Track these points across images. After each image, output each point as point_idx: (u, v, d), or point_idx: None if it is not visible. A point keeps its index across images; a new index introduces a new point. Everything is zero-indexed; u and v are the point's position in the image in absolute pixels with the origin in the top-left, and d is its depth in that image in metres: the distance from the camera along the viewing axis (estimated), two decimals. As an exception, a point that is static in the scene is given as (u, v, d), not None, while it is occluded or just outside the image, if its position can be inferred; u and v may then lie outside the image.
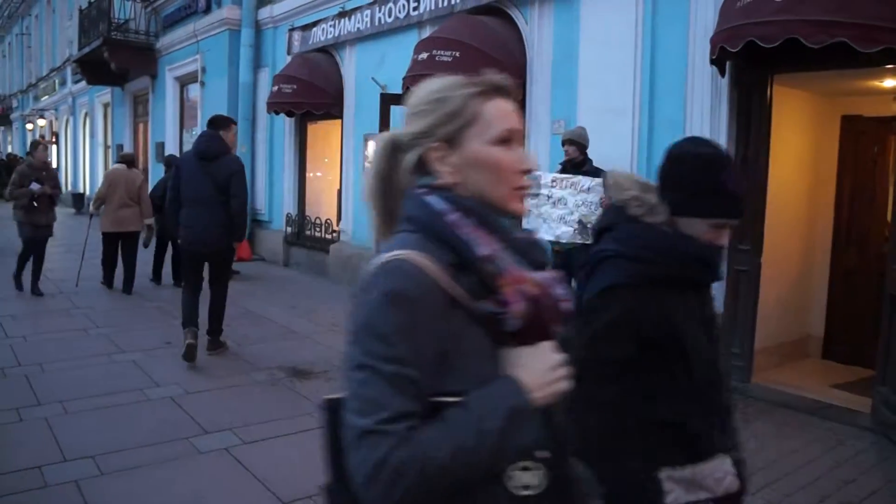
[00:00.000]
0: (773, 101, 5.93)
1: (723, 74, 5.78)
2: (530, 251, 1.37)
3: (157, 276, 10.13)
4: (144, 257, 9.76)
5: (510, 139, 1.35)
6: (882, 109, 6.30)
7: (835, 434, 4.93)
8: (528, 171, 1.38)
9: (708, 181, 1.89)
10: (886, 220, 6.20)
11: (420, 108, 1.38)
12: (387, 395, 1.17)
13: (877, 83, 6.16)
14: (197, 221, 6.22)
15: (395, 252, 1.25)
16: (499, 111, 1.36)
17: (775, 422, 5.17)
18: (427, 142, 1.36)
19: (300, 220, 12.21)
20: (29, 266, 8.99)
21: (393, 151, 1.40)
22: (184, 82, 15.86)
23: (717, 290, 5.91)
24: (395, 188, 1.41)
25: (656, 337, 1.88)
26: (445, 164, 1.35)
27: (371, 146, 9.80)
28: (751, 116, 5.96)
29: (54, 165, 20.41)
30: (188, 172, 6.30)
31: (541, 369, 1.27)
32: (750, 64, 5.69)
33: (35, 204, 8.71)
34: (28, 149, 30.64)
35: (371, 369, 1.18)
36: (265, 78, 12.63)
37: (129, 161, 9.81)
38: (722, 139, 5.97)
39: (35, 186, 8.64)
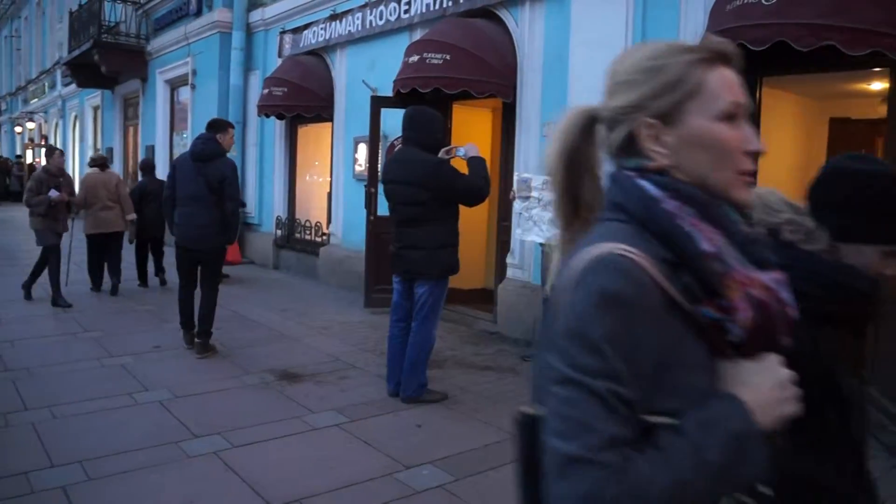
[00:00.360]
0: (763, 103, 5.94)
1: (712, 77, 5.76)
2: (754, 247, 1.19)
3: (142, 278, 10.25)
4: (129, 258, 9.91)
5: (736, 115, 1.18)
6: (870, 112, 6.33)
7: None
8: (756, 154, 1.19)
9: (884, 201, 1.65)
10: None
11: (630, 76, 1.21)
12: (597, 416, 1.01)
13: (864, 86, 6.20)
14: (190, 220, 6.47)
15: (607, 245, 1.09)
16: (724, 81, 1.19)
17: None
18: (638, 116, 1.19)
19: (290, 223, 12.19)
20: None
21: (587, 127, 1.26)
22: (174, 85, 15.83)
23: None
24: (585, 169, 1.27)
25: (812, 378, 1.55)
26: (659, 144, 1.18)
27: (362, 149, 9.80)
28: (740, 119, 5.96)
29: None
30: (183, 173, 6.54)
31: (767, 387, 1.10)
32: (739, 66, 5.70)
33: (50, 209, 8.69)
34: (17, 154, 30.44)
35: (579, 385, 1.02)
36: (256, 81, 12.61)
37: (102, 163, 9.86)
38: (712, 141, 5.98)
39: (53, 193, 8.62)
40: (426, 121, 5.30)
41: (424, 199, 5.11)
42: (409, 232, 5.23)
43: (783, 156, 6.61)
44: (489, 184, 5.32)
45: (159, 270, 10.31)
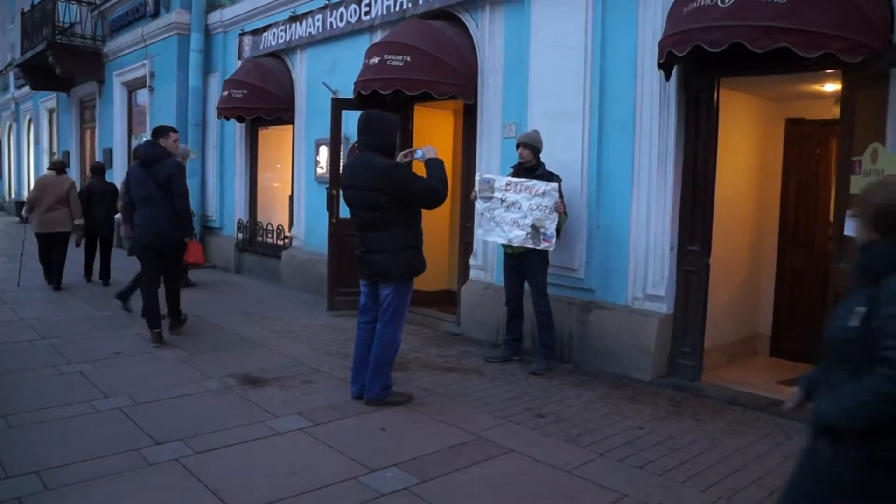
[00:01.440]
0: (720, 104, 6.04)
1: (668, 78, 5.85)
2: None
3: (88, 272, 10.83)
4: (76, 257, 10.44)
5: None
6: (824, 113, 6.47)
7: (783, 430, 5.02)
8: None
9: None
10: (830, 220, 6.35)
11: None
12: None
13: (819, 87, 6.32)
14: (148, 219, 7.09)
15: None
16: None
17: (726, 419, 5.25)
18: None
19: (252, 227, 12.08)
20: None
21: None
22: (132, 87, 15.59)
23: (668, 290, 6.03)
24: None
25: None
26: None
27: (324, 152, 9.76)
28: (698, 119, 6.06)
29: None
30: (134, 178, 7.20)
31: None
32: (697, 68, 5.79)
33: None
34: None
35: None
36: (215, 83, 12.49)
37: (60, 167, 10.52)
38: (670, 142, 6.07)
39: None
40: (381, 125, 5.30)
41: (382, 204, 5.11)
42: (371, 236, 5.24)
43: (741, 156, 6.72)
44: (447, 186, 5.33)
45: (105, 274, 10.59)
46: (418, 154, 5.38)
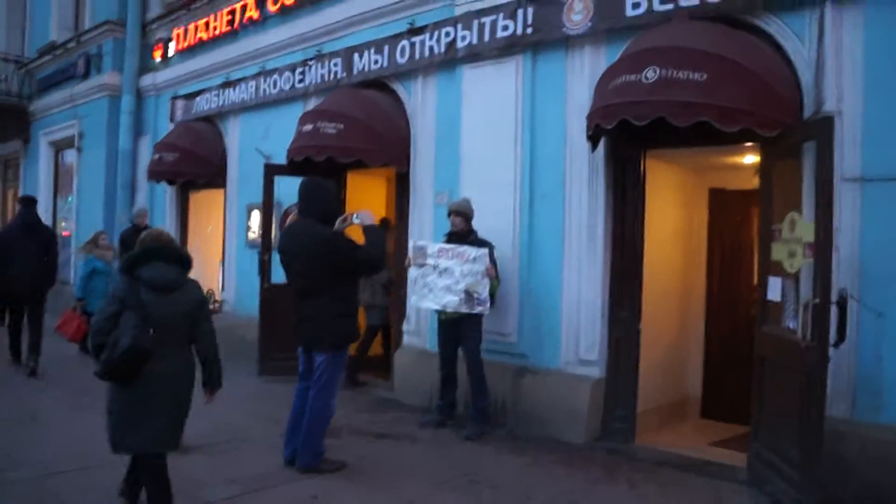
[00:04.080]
0: (647, 174, 6.25)
1: (594, 149, 6.02)
2: None
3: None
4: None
5: None
6: (745, 183, 6.73)
7: (714, 490, 5.10)
8: None
9: None
10: (753, 283, 6.57)
11: None
12: None
13: (739, 159, 6.60)
14: (24, 273, 8.45)
15: None
16: None
17: (659, 481, 5.30)
18: None
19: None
20: None
21: None
22: (59, 147, 15.26)
23: (600, 354, 6.12)
24: None
25: None
26: None
27: (255, 216, 9.70)
28: (626, 189, 6.25)
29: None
30: (16, 238, 8.68)
31: None
32: (624, 140, 5.99)
33: None
34: None
35: None
36: (146, 145, 12.33)
37: None
38: (599, 211, 6.24)
39: None
40: (320, 193, 5.36)
41: (319, 271, 5.13)
42: (306, 304, 5.23)
43: (668, 223, 6.91)
44: (384, 252, 5.41)
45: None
46: (356, 218, 5.41)
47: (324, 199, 5.34)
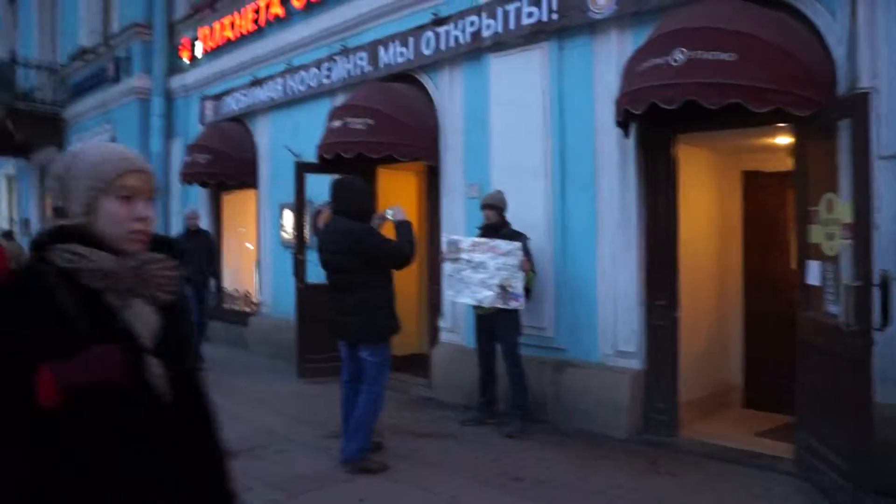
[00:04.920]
0: (679, 159, 6.12)
1: (627, 135, 5.94)
2: None
3: None
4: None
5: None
6: (779, 165, 6.56)
7: (761, 482, 5.01)
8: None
9: None
10: (791, 268, 6.41)
11: None
12: None
13: (772, 140, 6.44)
14: None
15: None
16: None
17: (704, 473, 5.23)
18: None
19: (217, 293, 11.92)
20: None
21: None
22: (93, 152, 15.45)
23: (638, 345, 6.03)
24: None
25: None
26: None
27: (288, 216, 9.72)
28: (657, 175, 6.13)
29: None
30: None
31: None
32: (654, 124, 5.87)
33: None
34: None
35: None
36: (178, 147, 12.44)
37: (9, 235, 13.13)
38: (631, 198, 6.13)
39: None
40: (352, 190, 5.54)
41: (354, 266, 5.29)
42: (344, 298, 5.38)
43: (701, 208, 6.77)
44: (415, 247, 5.51)
45: None
46: (388, 214, 5.58)
47: (355, 197, 5.52)
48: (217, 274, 9.96)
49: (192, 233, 9.72)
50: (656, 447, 5.84)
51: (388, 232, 5.53)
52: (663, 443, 5.90)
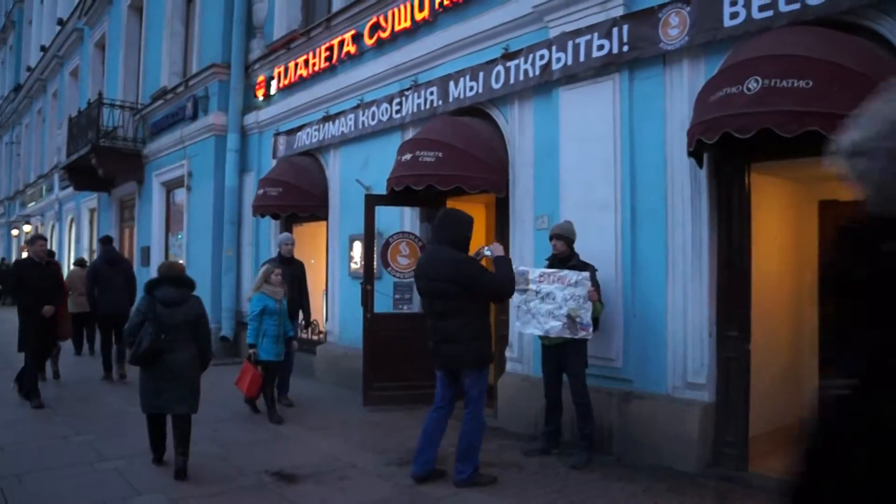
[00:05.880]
0: (752, 189, 6.04)
1: (700, 166, 5.90)
2: None
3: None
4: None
5: None
6: (857, 193, 6.40)
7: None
8: None
9: None
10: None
11: None
12: None
13: (850, 169, 6.30)
14: (109, 298, 10.52)
15: None
16: None
17: (775, 512, 5.06)
18: None
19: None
20: None
21: None
22: (170, 187, 16.02)
23: (708, 377, 5.91)
24: None
25: None
26: None
27: (357, 247, 9.87)
28: (731, 205, 6.06)
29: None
30: (102, 270, 10.70)
31: None
32: (727, 154, 5.82)
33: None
34: (1, 256, 30.42)
35: None
36: (251, 181, 12.79)
37: (81, 263, 13.61)
38: (703, 228, 6.07)
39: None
40: (453, 221, 5.77)
41: (454, 293, 5.50)
42: (443, 325, 5.60)
43: (775, 239, 6.67)
44: (514, 282, 5.80)
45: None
46: (487, 251, 5.87)
47: (457, 227, 5.73)
48: (307, 307, 9.43)
49: (286, 260, 9.12)
50: (726, 482, 5.68)
51: (487, 266, 5.78)
52: (733, 477, 5.74)
